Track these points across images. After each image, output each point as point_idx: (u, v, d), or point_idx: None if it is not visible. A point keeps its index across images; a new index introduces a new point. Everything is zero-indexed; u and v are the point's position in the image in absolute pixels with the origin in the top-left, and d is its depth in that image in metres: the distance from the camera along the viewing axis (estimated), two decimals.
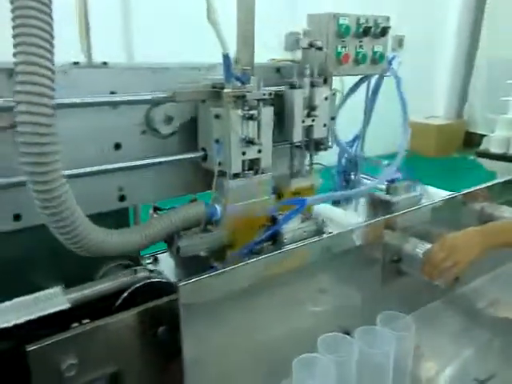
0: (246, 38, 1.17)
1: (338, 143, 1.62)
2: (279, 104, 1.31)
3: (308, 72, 1.29)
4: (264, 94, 1.17)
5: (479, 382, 1.11)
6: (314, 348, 1.02)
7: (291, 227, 1.26)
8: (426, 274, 1.22)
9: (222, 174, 1.19)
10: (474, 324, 1.35)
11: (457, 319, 1.39)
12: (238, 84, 1.13)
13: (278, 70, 1.38)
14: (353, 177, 1.75)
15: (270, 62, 1.40)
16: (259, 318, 1.06)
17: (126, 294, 1.05)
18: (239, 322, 1.03)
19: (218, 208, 1.20)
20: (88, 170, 1.10)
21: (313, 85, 1.30)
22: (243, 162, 1.19)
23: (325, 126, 1.36)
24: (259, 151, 1.20)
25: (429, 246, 1.27)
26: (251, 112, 1.14)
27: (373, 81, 1.59)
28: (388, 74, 1.54)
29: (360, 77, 1.56)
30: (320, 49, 1.26)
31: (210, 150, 1.21)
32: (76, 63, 1.11)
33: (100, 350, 0.93)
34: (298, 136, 1.31)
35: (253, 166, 1.22)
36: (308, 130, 1.34)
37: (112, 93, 1.11)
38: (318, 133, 1.35)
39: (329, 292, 1.18)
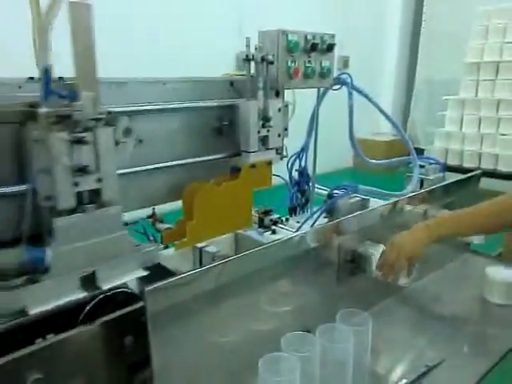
0: (84, 47, 0.99)
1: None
2: (233, 116, 1.37)
3: (261, 85, 1.35)
4: (100, 113, 0.99)
5: (430, 367, 1.19)
6: (279, 348, 1.05)
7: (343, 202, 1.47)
8: (382, 275, 1.30)
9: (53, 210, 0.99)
10: (424, 317, 1.44)
11: (409, 314, 1.47)
12: (64, 102, 0.97)
13: (232, 83, 1.44)
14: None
15: (224, 76, 1.46)
16: (224, 321, 1.09)
17: (90, 306, 1.05)
18: (205, 325, 1.05)
19: (48, 252, 0.99)
20: None
21: (266, 97, 1.37)
22: (79, 194, 1.00)
23: (279, 135, 1.43)
24: (99, 180, 1.02)
25: (379, 246, 1.35)
26: (80, 135, 0.96)
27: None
28: (337, 87, 1.65)
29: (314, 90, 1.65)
30: (271, 63, 1.34)
31: (35, 182, 1.01)
32: (31, 78, 1.10)
33: (66, 364, 0.92)
34: (254, 146, 1.37)
35: (94, 198, 1.04)
36: (263, 141, 1.40)
37: None
38: (273, 143, 1.42)
39: (289, 293, 1.22)
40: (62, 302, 1.01)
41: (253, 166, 1.41)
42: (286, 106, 1.49)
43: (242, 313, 1.11)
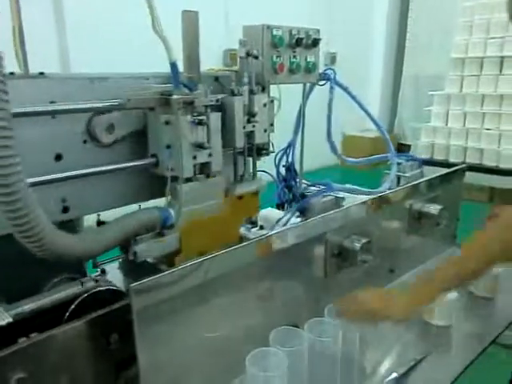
0: (192, 47, 1.23)
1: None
2: (219, 111, 1.36)
3: (246, 80, 1.35)
4: (211, 101, 1.23)
5: (418, 361, 1.20)
6: (267, 343, 1.05)
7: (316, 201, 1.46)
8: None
9: (175, 178, 1.21)
10: None
11: None
12: (186, 91, 1.17)
13: (217, 78, 1.43)
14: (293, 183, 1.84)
15: (209, 71, 1.45)
16: (210, 317, 1.08)
17: (74, 305, 1.04)
18: (192, 322, 1.04)
19: (172, 212, 1.22)
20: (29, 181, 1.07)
21: (251, 92, 1.36)
22: (194, 166, 1.23)
23: (265, 131, 1.43)
24: (209, 155, 1.25)
25: (364, 240, 1.34)
26: (200, 118, 1.19)
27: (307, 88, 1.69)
28: (322, 83, 1.65)
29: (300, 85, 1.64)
30: (256, 58, 1.33)
31: (161, 156, 1.23)
32: (11, 73, 1.09)
33: (51, 362, 0.91)
34: (240, 141, 1.36)
35: (204, 169, 1.26)
36: (249, 136, 1.40)
37: (52, 102, 1.11)
38: (259, 138, 1.41)
39: (277, 288, 1.22)
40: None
41: (239, 197, 1.45)
42: (272, 101, 1.48)
43: (229, 309, 1.11)
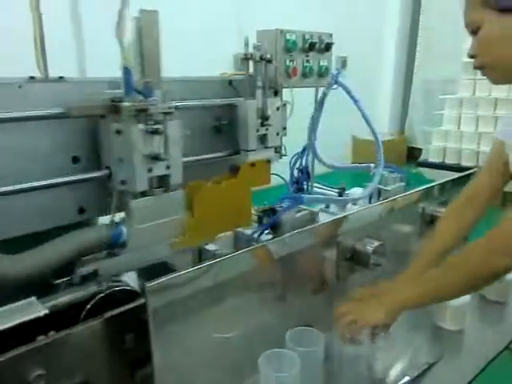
0: (152, 50, 1.13)
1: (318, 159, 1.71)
2: (232, 115, 1.38)
3: (260, 84, 1.36)
4: (169, 108, 1.12)
5: (430, 364, 1.20)
6: (281, 343, 1.07)
7: (289, 217, 1.34)
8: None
9: (128, 193, 1.12)
10: (422, 315, 1.44)
11: (407, 312, 1.48)
12: (141, 97, 1.08)
13: (230, 82, 1.44)
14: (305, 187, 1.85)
15: (222, 75, 1.47)
16: (225, 317, 1.09)
17: (91, 304, 1.05)
18: (206, 322, 1.06)
19: (124, 230, 1.13)
20: (45, 182, 1.09)
21: (265, 96, 1.38)
22: (150, 179, 1.12)
23: (278, 134, 1.44)
24: (168, 167, 1.14)
25: (377, 243, 1.35)
26: (155, 126, 1.08)
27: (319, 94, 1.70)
28: (334, 87, 1.65)
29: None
30: (270, 62, 1.34)
31: (114, 167, 1.14)
32: (32, 78, 1.12)
33: (68, 360, 0.93)
34: (253, 144, 1.38)
35: (162, 183, 1.16)
36: (262, 139, 1.41)
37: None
38: (272, 141, 1.43)
39: (290, 290, 1.23)
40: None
41: (252, 164, 1.42)
42: (285, 104, 1.50)
43: (243, 309, 1.12)
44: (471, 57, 1.11)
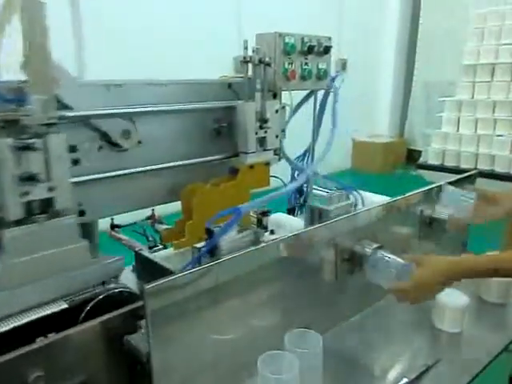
0: (37, 47, 0.92)
1: (286, 158, 1.64)
2: (231, 117, 1.38)
3: (259, 87, 1.37)
4: (50, 118, 0.92)
5: (429, 366, 1.21)
6: (279, 346, 1.07)
7: (229, 238, 1.13)
8: (397, 298, 1.22)
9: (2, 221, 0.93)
10: (421, 316, 1.44)
11: (406, 313, 1.48)
12: (12, 106, 0.90)
13: (230, 85, 1.45)
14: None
15: (222, 78, 1.47)
16: (223, 319, 1.09)
17: (90, 306, 1.06)
18: (205, 324, 1.06)
19: None
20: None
21: (264, 99, 1.38)
22: (28, 204, 0.94)
23: (277, 137, 1.44)
24: (50, 189, 0.95)
25: (376, 245, 1.35)
26: (29, 141, 0.89)
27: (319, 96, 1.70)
28: (332, 89, 1.66)
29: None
30: (269, 65, 1.35)
31: None
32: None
33: (67, 361, 0.93)
34: (252, 147, 1.38)
35: (45, 208, 0.97)
36: (261, 141, 1.42)
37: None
38: (271, 144, 1.43)
39: (288, 291, 1.23)
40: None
41: (251, 166, 1.43)
42: (283, 107, 1.50)
43: (241, 311, 1.13)
44: None
